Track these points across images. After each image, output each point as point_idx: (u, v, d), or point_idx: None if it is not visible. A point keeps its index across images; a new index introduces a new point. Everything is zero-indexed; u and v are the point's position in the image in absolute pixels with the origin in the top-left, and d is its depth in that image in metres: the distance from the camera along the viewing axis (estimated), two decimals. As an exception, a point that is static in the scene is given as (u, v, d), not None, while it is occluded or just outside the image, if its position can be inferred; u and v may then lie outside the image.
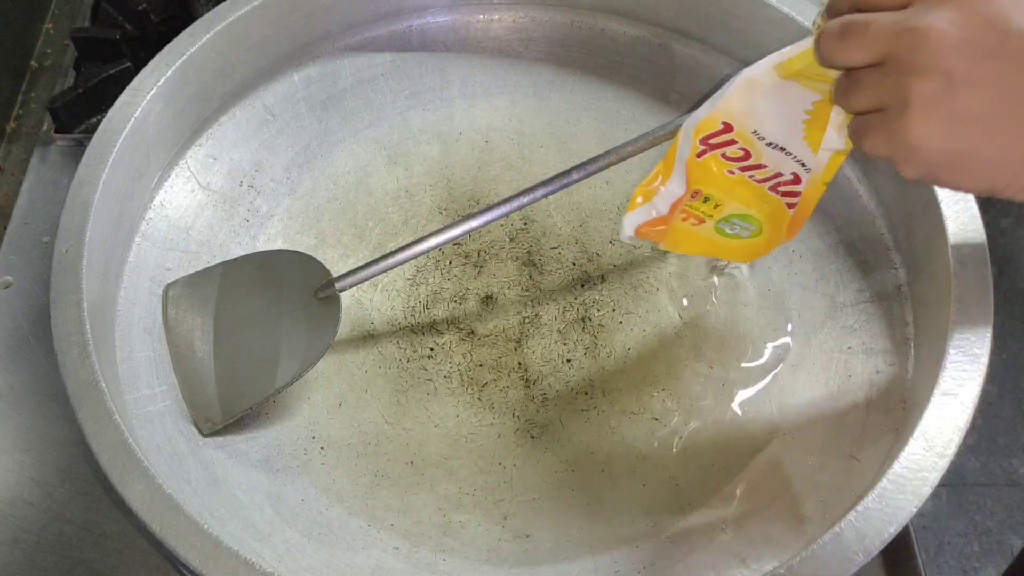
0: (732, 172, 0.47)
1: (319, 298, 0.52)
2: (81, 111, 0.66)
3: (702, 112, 0.45)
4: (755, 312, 0.57)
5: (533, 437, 0.53)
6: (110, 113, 0.55)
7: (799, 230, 0.51)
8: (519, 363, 0.56)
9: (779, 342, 0.56)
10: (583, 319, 0.57)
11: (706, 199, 0.49)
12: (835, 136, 0.44)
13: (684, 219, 0.50)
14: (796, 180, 0.47)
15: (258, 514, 0.49)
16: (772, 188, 0.48)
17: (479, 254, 0.60)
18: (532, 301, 0.58)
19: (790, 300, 0.57)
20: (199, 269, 0.56)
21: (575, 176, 0.50)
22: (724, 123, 0.45)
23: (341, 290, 0.52)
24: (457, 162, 0.64)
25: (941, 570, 1.21)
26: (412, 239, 0.51)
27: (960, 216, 0.51)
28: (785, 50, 0.41)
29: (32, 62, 0.74)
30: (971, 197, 0.51)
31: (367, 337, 0.57)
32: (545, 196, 0.50)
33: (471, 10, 0.68)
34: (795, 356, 0.55)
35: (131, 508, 0.42)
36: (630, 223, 0.51)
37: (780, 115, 0.44)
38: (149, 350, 0.54)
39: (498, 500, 0.51)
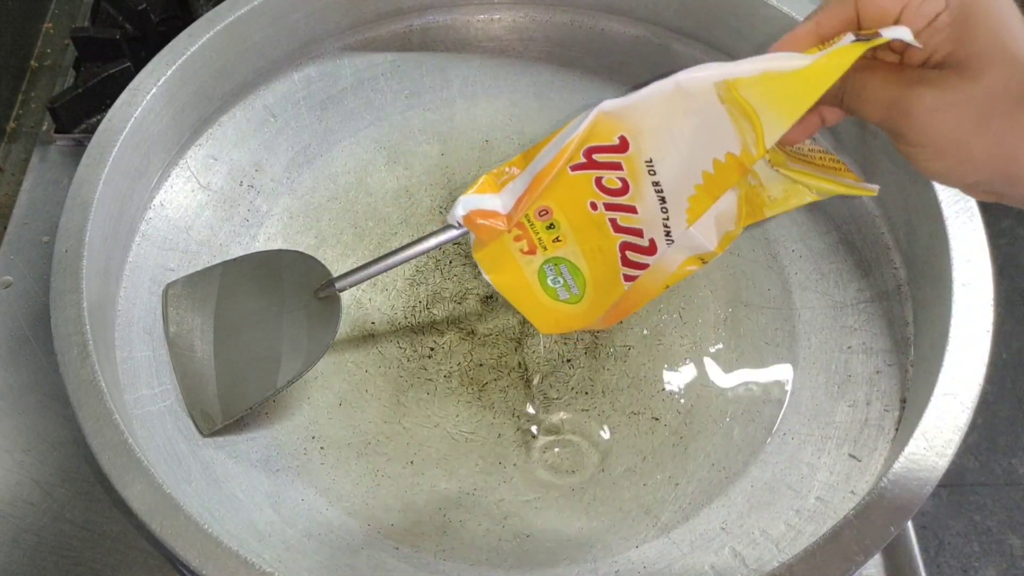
0: (595, 207, 0.41)
1: (319, 298, 0.52)
2: (81, 111, 0.67)
3: (613, 104, 0.38)
4: (755, 312, 0.57)
5: (533, 437, 0.53)
6: (110, 113, 0.55)
7: (614, 322, 0.45)
8: (519, 363, 0.56)
9: (779, 342, 0.56)
10: (583, 319, 0.57)
11: (551, 225, 0.42)
12: (709, 228, 0.39)
13: (516, 238, 0.44)
14: (651, 249, 0.41)
15: (258, 514, 0.49)
16: (623, 247, 0.42)
17: (479, 254, 0.60)
18: (532, 301, 0.58)
19: (790, 300, 0.57)
20: (199, 269, 0.56)
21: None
22: (622, 137, 0.38)
23: (341, 290, 0.52)
24: (457, 162, 0.64)
25: (941, 570, 1.21)
26: (412, 239, 0.51)
27: (960, 216, 0.51)
28: (738, 65, 0.36)
29: (32, 62, 0.74)
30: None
31: (367, 337, 0.57)
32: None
33: (471, 10, 0.68)
34: (795, 356, 0.55)
35: (131, 508, 0.42)
36: (466, 203, 0.43)
37: (688, 150, 0.38)
38: (149, 350, 0.54)
39: (498, 500, 0.51)
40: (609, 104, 0.39)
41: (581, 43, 0.68)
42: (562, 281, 0.44)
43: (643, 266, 0.42)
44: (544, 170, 0.41)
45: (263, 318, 0.53)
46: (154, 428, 0.51)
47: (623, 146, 0.39)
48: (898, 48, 0.36)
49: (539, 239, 0.43)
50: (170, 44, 0.58)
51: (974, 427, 0.43)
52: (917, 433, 0.45)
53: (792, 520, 0.49)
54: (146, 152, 0.57)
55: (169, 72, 0.57)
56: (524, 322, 0.57)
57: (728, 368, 0.55)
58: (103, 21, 0.70)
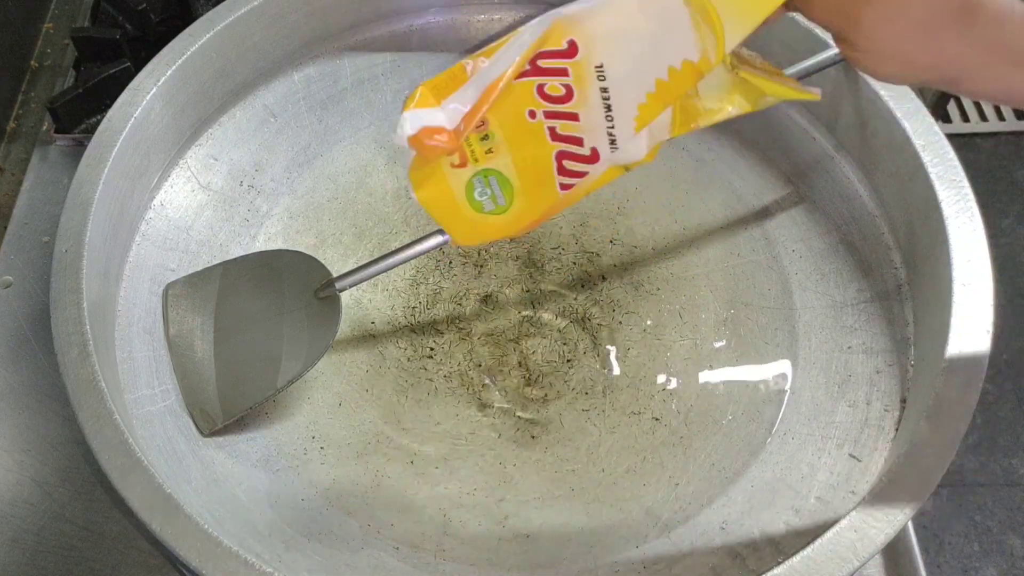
0: (534, 115, 0.39)
1: (319, 298, 0.52)
2: (81, 111, 0.67)
3: (570, 9, 0.37)
4: (755, 312, 0.57)
5: (533, 437, 0.53)
6: (110, 113, 0.55)
7: (534, 228, 0.44)
8: (519, 363, 0.56)
9: (779, 342, 0.56)
10: (583, 319, 0.57)
11: (485, 136, 0.40)
12: (641, 137, 0.38)
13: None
14: (592, 158, 0.40)
15: (258, 514, 0.49)
16: (559, 156, 0.40)
17: (479, 254, 0.60)
18: (532, 301, 0.58)
19: (790, 300, 0.57)
20: (199, 269, 0.56)
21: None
22: (571, 42, 0.37)
23: (341, 290, 0.52)
24: (457, 162, 0.64)
25: (941, 570, 1.21)
26: (412, 239, 0.51)
27: (960, 216, 0.51)
28: None
29: (32, 62, 0.74)
30: (971, 197, 0.51)
31: (367, 337, 0.57)
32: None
33: (471, 10, 0.68)
34: (795, 356, 0.55)
35: (131, 508, 0.42)
36: (413, 120, 0.40)
37: (644, 56, 0.37)
38: (149, 350, 0.54)
39: (498, 500, 0.51)
40: (566, 9, 0.38)
41: (581, 43, 0.68)
42: (489, 193, 0.43)
43: (581, 174, 0.41)
44: (494, 83, 0.39)
45: (263, 318, 0.53)
46: (154, 428, 0.51)
47: (571, 51, 0.38)
48: None
49: (471, 151, 0.42)
50: (170, 44, 0.58)
51: (974, 427, 0.43)
52: (917, 433, 0.45)
53: (792, 520, 0.49)
54: (146, 152, 0.57)
55: (169, 72, 0.57)
56: (523, 322, 0.57)
57: (728, 368, 0.55)
58: (103, 21, 0.70)
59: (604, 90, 0.38)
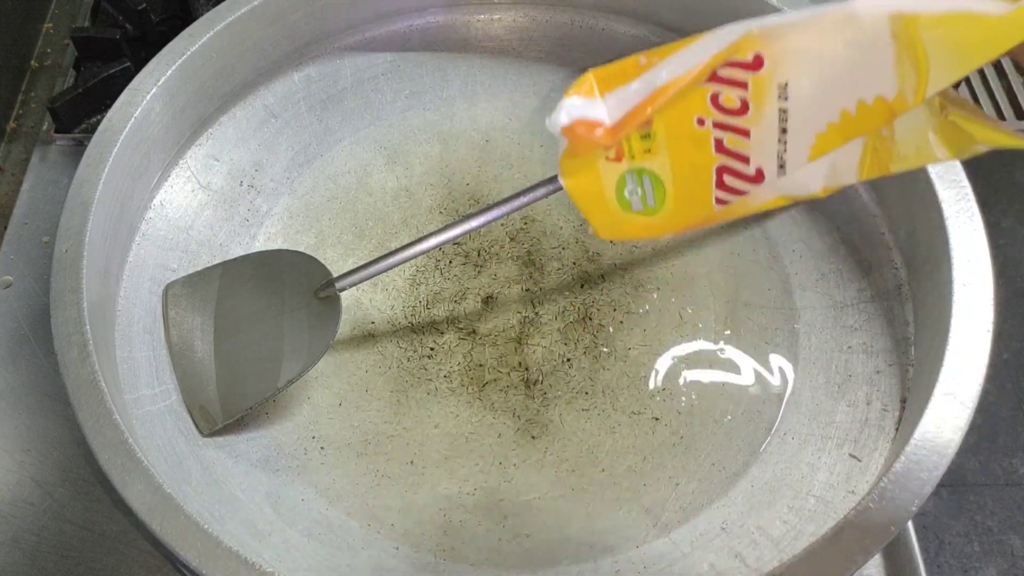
0: (702, 123, 0.38)
1: (319, 298, 0.52)
2: (81, 111, 0.67)
3: (764, 22, 0.34)
4: (755, 312, 0.57)
5: (533, 437, 0.53)
6: (110, 113, 0.55)
7: (683, 232, 0.43)
8: (519, 363, 0.56)
9: (779, 342, 0.56)
10: (583, 319, 0.57)
11: (647, 135, 0.39)
12: (819, 171, 0.36)
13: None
14: (756, 178, 0.38)
15: (258, 514, 0.49)
16: (720, 170, 0.39)
17: (479, 254, 0.60)
18: (532, 301, 0.58)
19: (790, 300, 0.57)
20: (199, 269, 0.56)
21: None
22: (757, 55, 0.35)
23: (341, 290, 0.52)
24: (457, 162, 0.64)
25: (941, 570, 1.21)
26: (412, 239, 0.51)
27: (961, 216, 0.51)
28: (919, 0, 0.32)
29: (32, 62, 0.74)
30: (971, 197, 0.51)
31: (367, 337, 0.57)
32: (546, 196, 0.50)
33: (471, 10, 0.68)
34: (795, 356, 0.55)
35: (131, 508, 0.42)
36: (570, 110, 0.38)
37: (835, 84, 0.34)
38: (149, 350, 0.54)
39: (498, 500, 0.51)
40: (758, 21, 0.35)
41: (581, 43, 0.68)
42: (640, 192, 0.41)
43: (741, 192, 0.39)
44: (664, 87, 0.37)
45: (263, 318, 0.53)
46: (154, 428, 0.51)
47: (756, 64, 0.35)
48: None
49: (629, 146, 0.40)
50: (170, 44, 0.58)
51: (974, 427, 0.43)
52: (917, 433, 0.45)
53: (792, 520, 0.49)
54: (146, 152, 0.57)
55: (169, 72, 0.57)
56: (524, 322, 0.57)
57: (728, 368, 0.55)
58: (103, 21, 0.70)
59: (783, 111, 0.36)
